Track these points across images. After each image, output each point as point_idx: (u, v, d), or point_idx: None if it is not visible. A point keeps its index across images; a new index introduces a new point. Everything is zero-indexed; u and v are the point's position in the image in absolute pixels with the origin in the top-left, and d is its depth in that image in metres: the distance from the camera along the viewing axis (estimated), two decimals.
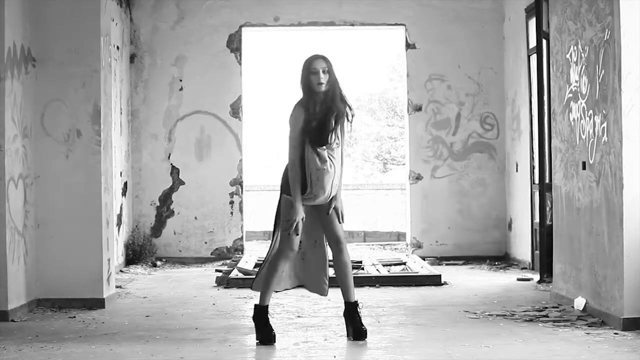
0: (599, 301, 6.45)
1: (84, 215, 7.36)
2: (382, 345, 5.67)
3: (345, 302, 5.85)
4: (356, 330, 5.79)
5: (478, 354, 5.36)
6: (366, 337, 5.77)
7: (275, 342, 5.73)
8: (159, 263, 10.73)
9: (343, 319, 5.94)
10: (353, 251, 12.09)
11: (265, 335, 5.74)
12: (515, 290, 8.30)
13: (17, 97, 6.97)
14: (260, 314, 5.79)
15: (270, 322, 5.82)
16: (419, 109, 11.30)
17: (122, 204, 10.57)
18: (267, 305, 5.81)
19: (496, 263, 10.70)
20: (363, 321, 5.87)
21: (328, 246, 5.89)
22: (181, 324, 6.60)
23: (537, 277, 8.95)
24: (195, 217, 11.22)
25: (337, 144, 5.68)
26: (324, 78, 5.60)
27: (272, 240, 5.86)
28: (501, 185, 11.25)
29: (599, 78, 6.43)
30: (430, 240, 11.23)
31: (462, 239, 11.19)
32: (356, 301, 5.84)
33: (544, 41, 8.78)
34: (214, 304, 7.59)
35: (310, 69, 5.61)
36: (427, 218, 11.25)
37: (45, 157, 7.35)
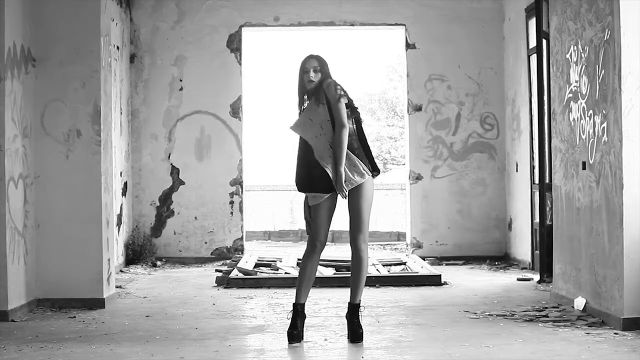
0: (599, 301, 6.45)
1: (84, 215, 7.36)
2: (382, 345, 5.67)
3: (349, 302, 5.86)
4: (353, 332, 5.80)
5: (478, 354, 5.36)
6: (362, 340, 5.76)
7: (295, 341, 5.73)
8: (159, 263, 10.73)
9: (343, 319, 5.94)
10: None
11: (288, 330, 5.80)
12: (515, 290, 8.30)
13: (17, 97, 6.97)
14: (293, 310, 5.83)
15: (299, 322, 5.80)
16: (419, 109, 11.30)
17: (122, 204, 10.57)
18: (300, 304, 5.81)
19: (496, 263, 10.70)
20: (362, 323, 5.87)
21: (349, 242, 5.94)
22: (181, 324, 6.60)
23: (537, 277, 8.95)
24: (195, 217, 11.23)
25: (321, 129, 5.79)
26: (314, 76, 5.83)
27: None
28: (501, 185, 11.25)
29: (599, 78, 6.43)
30: (430, 240, 11.23)
31: (462, 239, 11.19)
32: (358, 304, 5.84)
33: (544, 41, 8.79)
34: (214, 304, 7.59)
35: (303, 69, 5.87)
36: (427, 218, 11.25)
37: (45, 157, 7.35)
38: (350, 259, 5.93)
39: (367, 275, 8.78)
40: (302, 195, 5.96)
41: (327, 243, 6.05)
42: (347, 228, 5.97)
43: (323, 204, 5.78)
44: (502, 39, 11.25)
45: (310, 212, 5.85)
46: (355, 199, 5.77)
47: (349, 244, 5.93)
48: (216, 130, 11.25)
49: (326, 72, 5.84)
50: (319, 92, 5.80)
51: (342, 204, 5.93)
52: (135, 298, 8.01)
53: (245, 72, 11.49)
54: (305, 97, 5.88)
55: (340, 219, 6.33)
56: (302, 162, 5.82)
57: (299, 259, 9.80)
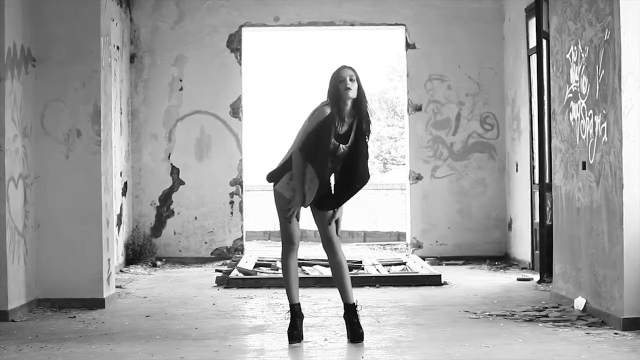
0: (599, 301, 6.45)
1: (84, 215, 7.36)
2: (382, 345, 5.67)
3: (343, 304, 5.86)
4: (353, 333, 5.79)
5: (478, 354, 5.36)
6: (363, 340, 5.76)
7: (295, 340, 5.75)
8: (159, 263, 10.73)
9: (343, 320, 5.94)
10: (353, 251, 12.09)
11: (288, 330, 5.82)
12: (515, 290, 8.30)
13: (17, 97, 6.97)
14: (291, 311, 5.86)
15: (298, 321, 5.84)
16: (419, 109, 11.30)
17: (122, 204, 10.57)
18: (296, 304, 5.85)
19: (496, 263, 10.70)
20: (362, 323, 5.87)
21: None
22: (181, 324, 6.60)
23: (537, 277, 8.95)
24: (195, 217, 11.23)
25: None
26: (351, 84, 5.64)
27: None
28: (501, 185, 11.25)
29: (599, 78, 6.43)
30: (430, 240, 11.23)
31: (462, 239, 11.19)
32: (354, 303, 5.84)
33: (544, 41, 8.79)
34: (214, 304, 7.59)
35: (339, 78, 5.67)
36: (427, 218, 11.25)
37: (45, 157, 7.35)
38: (349, 259, 5.94)
39: (367, 275, 8.85)
40: None
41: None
42: (347, 228, 5.97)
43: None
44: (502, 39, 11.25)
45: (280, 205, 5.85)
46: (319, 216, 5.86)
47: (344, 245, 5.93)
48: (216, 130, 11.26)
49: (360, 83, 5.71)
50: (360, 115, 5.70)
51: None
52: (135, 298, 8.01)
53: (245, 72, 11.49)
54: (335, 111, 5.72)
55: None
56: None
57: (299, 259, 9.78)
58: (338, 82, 5.66)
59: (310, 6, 11.32)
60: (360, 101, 5.69)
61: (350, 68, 5.73)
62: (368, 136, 5.77)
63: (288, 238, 5.85)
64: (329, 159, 5.67)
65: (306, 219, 6.22)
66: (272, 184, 5.90)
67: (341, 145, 5.69)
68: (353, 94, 5.64)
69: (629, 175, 6.01)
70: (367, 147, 5.77)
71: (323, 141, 5.61)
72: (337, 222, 5.86)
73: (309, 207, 5.85)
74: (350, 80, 5.64)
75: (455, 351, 5.44)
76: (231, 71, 11.28)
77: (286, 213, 5.75)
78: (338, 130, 5.67)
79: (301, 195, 5.70)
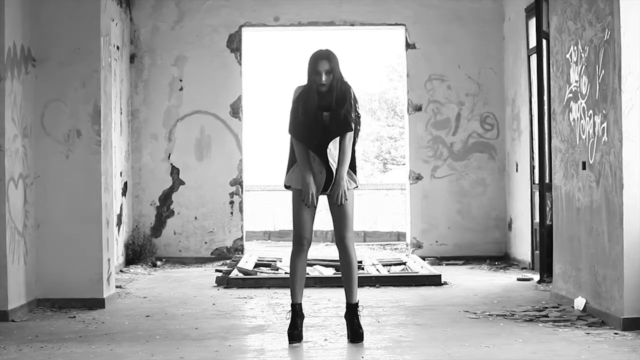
0: (599, 301, 6.45)
1: (84, 215, 7.36)
2: (382, 345, 5.68)
3: (346, 303, 5.86)
4: (353, 332, 5.80)
5: (478, 354, 5.36)
6: (362, 340, 5.76)
7: (295, 340, 5.74)
8: (159, 263, 10.73)
9: (343, 320, 5.95)
10: None
11: (288, 330, 5.81)
12: (515, 290, 8.30)
13: (17, 97, 6.97)
14: (292, 311, 5.85)
15: (299, 321, 5.83)
16: (419, 109, 11.30)
17: (122, 204, 10.57)
18: (297, 304, 5.84)
19: (496, 263, 10.70)
20: (362, 323, 5.87)
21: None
22: (181, 324, 6.60)
23: (537, 277, 8.95)
24: (195, 217, 11.23)
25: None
26: (326, 79, 5.69)
27: None
28: (501, 185, 11.25)
29: (599, 78, 6.44)
30: (430, 240, 11.23)
31: (462, 239, 11.19)
32: (356, 303, 5.84)
33: (544, 41, 8.79)
34: (214, 304, 7.59)
35: (315, 69, 5.70)
36: (427, 218, 11.25)
37: (45, 157, 7.35)
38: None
39: (367, 275, 8.85)
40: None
41: (327, 243, 6.05)
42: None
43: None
44: (502, 39, 11.25)
45: (293, 203, 5.83)
46: (333, 210, 5.83)
47: (352, 243, 5.92)
48: (216, 130, 11.26)
49: (338, 72, 5.70)
50: (331, 101, 5.70)
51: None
52: (135, 298, 8.01)
53: (245, 72, 11.49)
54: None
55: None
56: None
57: None
58: (314, 74, 5.70)
59: (310, 6, 11.32)
60: (333, 86, 5.67)
61: (326, 58, 5.72)
62: (356, 110, 5.75)
63: (298, 237, 5.85)
64: (318, 129, 5.66)
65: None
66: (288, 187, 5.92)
67: (324, 113, 5.69)
68: (326, 87, 5.69)
69: (629, 175, 6.02)
70: (356, 112, 5.75)
71: (306, 112, 5.67)
72: (344, 212, 5.79)
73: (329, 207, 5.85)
74: (326, 73, 5.67)
75: (455, 351, 5.44)
76: (231, 71, 11.28)
77: (307, 200, 5.69)
78: (318, 101, 5.69)
79: (310, 178, 5.68)
